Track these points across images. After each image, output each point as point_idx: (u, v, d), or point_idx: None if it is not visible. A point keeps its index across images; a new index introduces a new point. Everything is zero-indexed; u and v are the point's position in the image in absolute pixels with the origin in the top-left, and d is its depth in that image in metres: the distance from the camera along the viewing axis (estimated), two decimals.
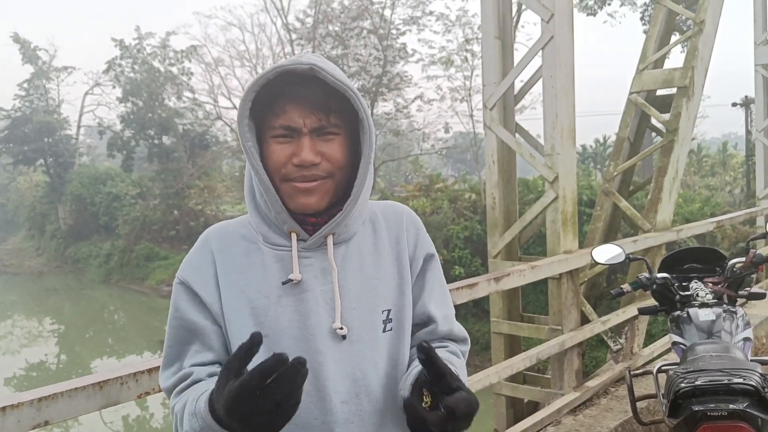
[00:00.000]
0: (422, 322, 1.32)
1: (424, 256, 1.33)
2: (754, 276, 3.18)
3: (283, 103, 1.16)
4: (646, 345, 5.38)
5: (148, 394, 1.79)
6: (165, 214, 28.90)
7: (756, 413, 2.20)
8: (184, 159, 29.55)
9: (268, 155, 1.19)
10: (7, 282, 31.83)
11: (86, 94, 36.81)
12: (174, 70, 30.80)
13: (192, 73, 30.62)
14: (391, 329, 1.24)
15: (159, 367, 1.84)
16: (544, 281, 4.36)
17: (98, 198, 32.15)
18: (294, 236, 1.21)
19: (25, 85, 35.22)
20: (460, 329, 1.37)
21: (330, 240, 1.21)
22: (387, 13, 25.41)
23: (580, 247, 4.76)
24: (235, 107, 28.06)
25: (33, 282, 31.23)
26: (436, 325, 1.32)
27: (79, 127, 38.15)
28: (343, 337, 1.18)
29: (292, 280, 1.18)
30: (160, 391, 1.81)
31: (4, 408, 1.49)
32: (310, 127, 1.16)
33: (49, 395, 1.58)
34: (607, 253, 3.30)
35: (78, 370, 18.23)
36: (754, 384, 2.21)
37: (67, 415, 1.61)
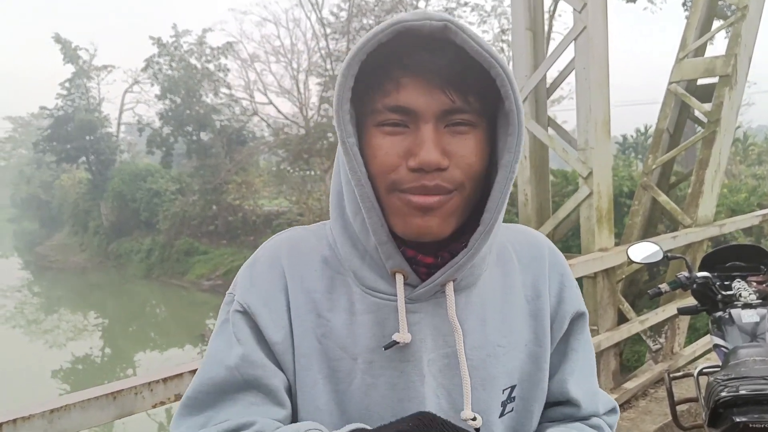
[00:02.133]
0: (558, 402, 0.97)
1: (572, 315, 0.97)
2: None
3: (398, 75, 0.79)
4: (689, 341, 5.22)
5: (163, 403, 1.75)
6: (204, 209, 29.28)
7: None
8: (221, 155, 29.87)
9: (369, 153, 0.82)
10: (52, 278, 32.69)
11: (126, 92, 37.64)
12: (210, 66, 31.15)
13: (228, 70, 30.93)
14: (511, 410, 0.91)
15: (175, 377, 1.82)
16: (580, 279, 4.25)
17: (139, 194, 32.74)
18: (400, 278, 0.85)
19: (67, 85, 36.06)
20: (605, 403, 1.01)
21: (450, 289, 0.85)
22: (421, 4, 25.24)
23: (619, 242, 4.63)
24: (271, 102, 28.43)
25: (77, 277, 32.00)
26: (577, 409, 0.97)
27: (119, 124, 38.98)
28: (476, 430, 0.85)
29: (397, 343, 0.83)
30: (176, 400, 1.78)
31: (15, 420, 1.45)
32: (437, 110, 0.79)
33: (62, 407, 1.53)
34: (644, 251, 3.18)
35: (122, 363, 18.65)
36: None
37: (80, 426, 1.56)
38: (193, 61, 31.34)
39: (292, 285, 0.88)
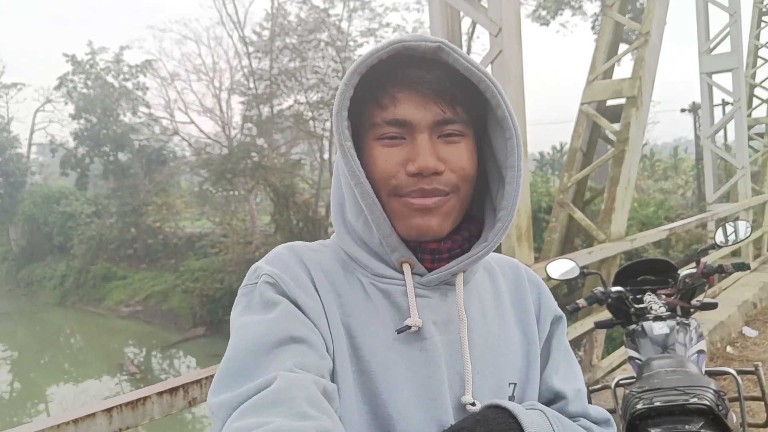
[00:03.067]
0: (547, 399, 1.02)
1: (552, 318, 1.05)
2: (706, 284, 3.18)
3: (394, 90, 0.87)
4: (607, 352, 5.41)
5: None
6: (122, 232, 28.31)
7: None
8: (140, 175, 29.03)
9: (370, 162, 0.89)
10: None
11: (37, 111, 36.02)
12: (128, 85, 30.32)
13: (147, 88, 30.19)
14: None
15: (86, 417, 1.71)
16: None
17: (52, 218, 31.34)
18: (408, 268, 0.91)
19: None
20: (597, 410, 1.04)
21: (460, 279, 0.92)
22: (344, 25, 25.45)
23: (537, 259, 4.76)
24: (192, 122, 27.91)
25: None
26: (566, 401, 1.01)
27: (30, 145, 37.29)
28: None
29: (409, 327, 0.88)
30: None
31: None
32: (431, 121, 0.87)
33: None
34: (561, 268, 3.27)
35: (33, 398, 17.64)
36: (708, 403, 2.20)
37: None
38: (109, 79, 30.41)
39: (313, 268, 0.91)
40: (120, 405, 1.77)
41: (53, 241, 31.23)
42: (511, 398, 0.95)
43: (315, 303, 0.88)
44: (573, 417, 1.00)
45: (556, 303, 1.08)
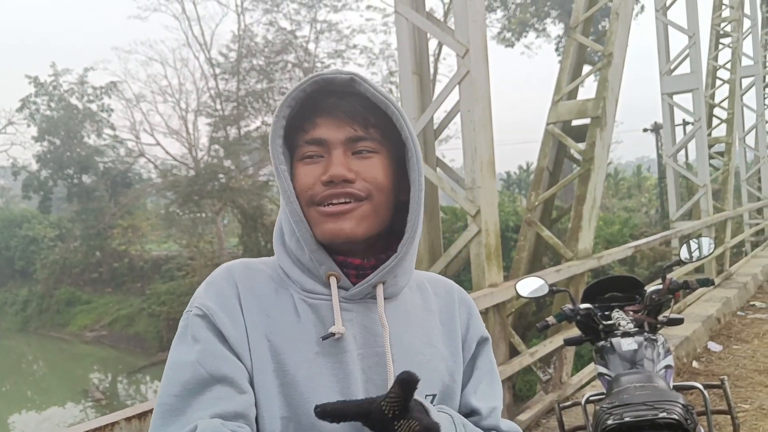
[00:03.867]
0: (464, 414, 1.08)
1: (478, 339, 1.13)
2: (672, 300, 3.24)
3: (315, 117, 1.00)
4: (576, 369, 5.44)
5: None
6: (86, 256, 27.77)
7: None
8: (105, 198, 28.57)
9: (295, 179, 1.01)
10: None
11: None
12: (93, 106, 29.91)
13: (112, 110, 29.83)
14: None
15: (104, 427, 1.73)
16: None
17: (13, 242, 30.63)
18: (334, 281, 1.00)
19: None
20: (508, 424, 1.11)
21: (380, 290, 1.01)
22: (311, 46, 25.58)
23: (507, 277, 4.79)
24: (159, 143, 27.57)
25: None
26: (480, 417, 1.08)
27: None
28: None
29: (333, 335, 0.96)
30: None
31: None
32: (343, 137, 0.98)
33: None
34: (530, 286, 3.29)
35: None
36: (677, 417, 2.23)
37: None
38: (73, 101, 29.97)
39: (244, 291, 1.00)
40: (88, 431, 1.73)
41: (15, 265, 30.49)
42: None
43: (239, 331, 0.97)
44: (486, 429, 1.08)
45: (484, 326, 1.16)
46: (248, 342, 0.96)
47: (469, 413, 1.08)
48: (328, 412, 0.83)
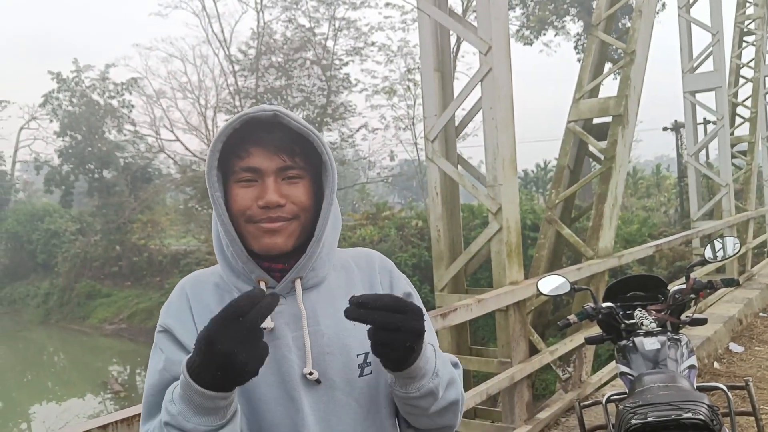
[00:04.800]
0: None
1: (402, 295, 1.30)
2: (693, 300, 3.21)
3: (248, 146, 1.17)
4: (594, 369, 5.42)
5: None
6: (107, 250, 28.06)
7: None
8: (125, 193, 28.83)
9: (232, 200, 1.19)
10: None
11: (22, 128, 35.72)
12: (114, 102, 30.17)
13: (133, 106, 30.04)
14: (370, 373, 1.21)
15: (131, 418, 1.81)
16: (492, 313, 4.34)
17: (35, 235, 31.00)
18: (263, 285, 1.20)
19: None
20: (449, 356, 1.31)
21: (298, 285, 1.21)
22: (329, 44, 25.60)
23: (526, 275, 4.77)
24: (178, 139, 27.77)
25: None
26: None
27: (14, 162, 36.97)
28: (317, 381, 1.17)
29: (265, 329, 1.11)
30: None
31: None
32: (275, 167, 1.17)
33: None
34: (552, 284, 3.29)
35: (15, 417, 17.35)
36: (702, 418, 2.22)
37: None
38: (95, 96, 30.25)
39: (195, 303, 1.22)
40: (115, 421, 1.76)
41: (37, 259, 30.86)
42: (362, 365, 1.21)
43: (192, 337, 1.07)
44: None
45: (407, 282, 1.35)
46: None
47: None
48: (360, 304, 1.04)
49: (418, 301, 1.30)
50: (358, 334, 1.19)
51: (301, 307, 1.20)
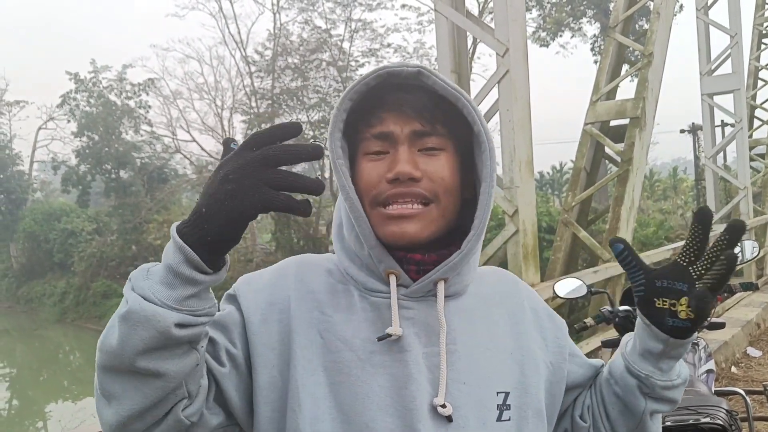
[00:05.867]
0: (588, 378, 1.09)
1: (565, 331, 1.10)
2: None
3: (380, 111, 0.95)
4: None
5: None
6: (123, 249, 28.25)
7: None
8: (142, 193, 29.02)
9: (358, 177, 0.96)
10: None
11: (39, 128, 36.08)
12: (131, 103, 30.39)
13: (150, 106, 30.25)
14: (509, 419, 0.95)
15: None
16: None
17: (52, 235, 31.27)
18: (393, 279, 0.95)
19: None
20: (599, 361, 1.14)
21: (441, 288, 0.95)
22: (345, 45, 25.64)
23: (542, 278, 4.76)
24: (194, 140, 27.95)
25: None
26: (605, 366, 1.06)
27: (32, 162, 37.31)
28: (448, 418, 0.90)
29: (390, 336, 0.91)
30: None
31: None
32: (409, 132, 0.94)
33: None
34: (568, 287, 3.27)
35: (32, 416, 17.52)
36: (721, 422, 2.21)
37: None
38: (112, 97, 30.48)
39: (298, 286, 0.98)
40: None
41: (53, 258, 31.14)
42: (500, 406, 0.96)
43: (261, 320, 0.95)
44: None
45: (558, 317, 1.12)
46: (290, 341, 0.93)
47: (594, 374, 1.09)
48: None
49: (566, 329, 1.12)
50: (501, 366, 0.98)
51: (441, 317, 0.94)
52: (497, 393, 0.96)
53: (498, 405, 0.95)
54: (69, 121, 31.94)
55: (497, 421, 0.94)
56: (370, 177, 0.95)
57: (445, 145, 0.96)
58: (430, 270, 0.96)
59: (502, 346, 1.00)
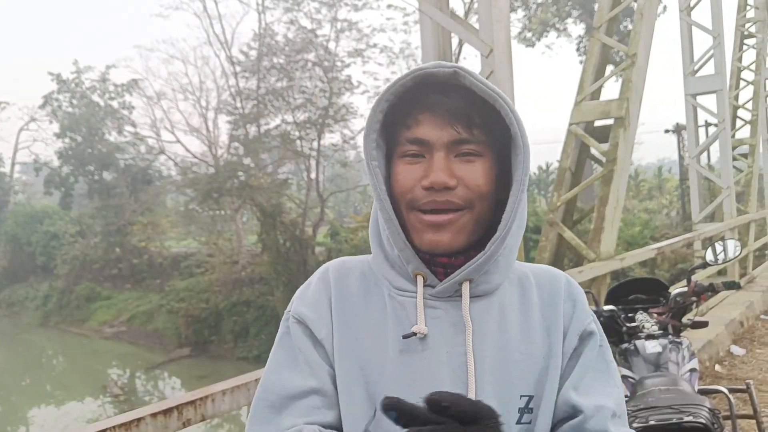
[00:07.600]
0: (565, 413, 0.99)
1: (580, 332, 1.03)
2: (695, 303, 3.21)
3: (417, 113, 0.96)
4: None
5: None
6: (106, 252, 28.02)
7: None
8: (126, 195, 28.80)
9: (393, 178, 0.98)
10: None
11: (21, 129, 35.74)
12: (114, 104, 30.17)
13: (133, 107, 30.04)
14: (529, 422, 0.96)
15: (129, 423, 1.78)
16: None
17: (35, 237, 30.95)
18: (420, 279, 0.99)
19: None
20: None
21: (466, 288, 0.98)
22: (331, 45, 25.59)
23: None
24: (179, 141, 27.79)
25: None
26: (583, 417, 0.96)
27: (13, 164, 36.98)
28: None
29: (415, 334, 0.95)
30: None
31: None
32: (446, 140, 0.94)
33: None
34: None
35: (14, 422, 17.31)
36: (704, 421, 2.21)
37: None
38: (95, 98, 30.25)
39: (336, 289, 1.03)
40: (114, 426, 1.76)
41: (36, 261, 30.83)
42: (522, 410, 0.96)
43: (327, 331, 1.00)
44: None
45: (591, 318, 1.06)
46: (333, 341, 0.99)
47: (572, 412, 0.98)
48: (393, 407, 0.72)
49: (597, 343, 1.04)
50: (527, 370, 0.98)
51: (466, 317, 0.96)
52: (520, 396, 0.97)
53: (520, 408, 0.96)
54: (51, 122, 31.72)
55: (516, 423, 0.96)
56: (405, 181, 0.97)
57: (482, 150, 0.97)
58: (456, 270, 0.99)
59: (535, 350, 1.00)
